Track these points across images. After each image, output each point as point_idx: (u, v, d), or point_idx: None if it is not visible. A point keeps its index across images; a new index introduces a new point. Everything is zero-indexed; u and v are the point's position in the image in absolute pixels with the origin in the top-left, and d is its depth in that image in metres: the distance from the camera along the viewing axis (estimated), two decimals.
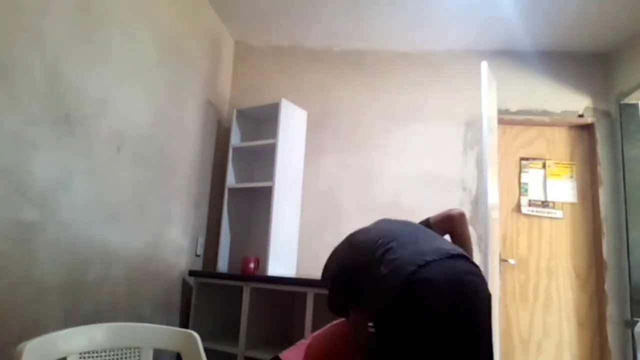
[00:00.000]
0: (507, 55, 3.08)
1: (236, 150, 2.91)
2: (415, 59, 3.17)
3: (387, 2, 2.68)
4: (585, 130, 3.06)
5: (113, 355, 1.25)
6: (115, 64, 1.93)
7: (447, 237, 1.72)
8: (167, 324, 2.33)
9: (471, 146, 3.00)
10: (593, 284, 2.88)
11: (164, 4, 2.34)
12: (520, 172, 3.05)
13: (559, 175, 3.03)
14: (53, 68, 1.59)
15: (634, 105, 2.89)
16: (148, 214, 2.20)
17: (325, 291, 2.21)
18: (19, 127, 1.45)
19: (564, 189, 2.99)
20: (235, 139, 2.92)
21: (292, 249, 2.82)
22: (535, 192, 3.00)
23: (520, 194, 3.01)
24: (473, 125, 3.01)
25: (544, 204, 2.98)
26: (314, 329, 2.18)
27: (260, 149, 2.90)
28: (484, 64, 2.09)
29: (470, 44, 3.06)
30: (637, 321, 2.15)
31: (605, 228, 2.86)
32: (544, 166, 3.04)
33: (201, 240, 2.78)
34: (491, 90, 2.21)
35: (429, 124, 3.08)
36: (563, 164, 3.04)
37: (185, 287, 2.57)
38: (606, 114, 2.99)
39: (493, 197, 2.13)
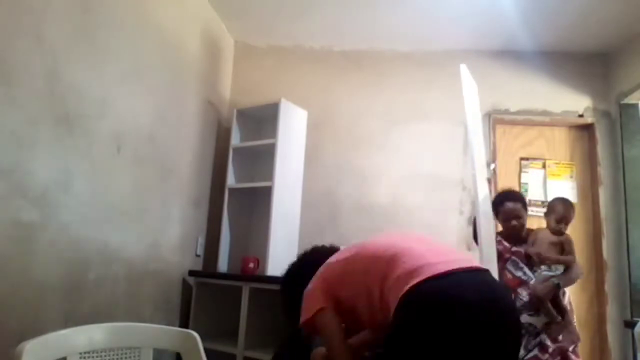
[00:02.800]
0: (507, 55, 3.08)
1: (236, 150, 2.91)
2: (415, 59, 3.17)
3: (387, 2, 2.68)
4: (585, 130, 3.06)
5: (113, 355, 1.25)
6: (115, 64, 1.93)
7: None
8: (167, 324, 2.33)
9: None
10: (593, 284, 2.87)
11: (164, 4, 2.34)
12: (520, 172, 3.05)
13: (559, 175, 3.03)
14: (53, 68, 1.59)
15: (634, 105, 2.89)
16: (148, 214, 2.20)
17: None
18: (19, 127, 1.45)
19: (564, 189, 2.99)
20: (235, 139, 2.92)
21: (292, 249, 2.82)
22: (535, 192, 3.00)
23: None
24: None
25: (544, 204, 2.97)
26: None
27: (260, 149, 2.90)
28: (463, 67, 2.08)
29: (470, 44, 3.06)
30: (637, 321, 2.15)
31: (605, 228, 2.86)
32: (544, 166, 3.04)
33: (201, 240, 2.78)
34: (472, 93, 2.19)
35: (429, 124, 3.07)
36: (563, 164, 3.04)
37: (185, 287, 2.57)
38: (606, 114, 2.99)
39: (486, 203, 2.12)
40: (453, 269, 1.12)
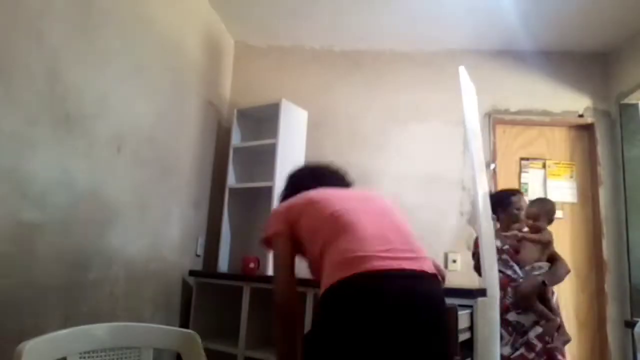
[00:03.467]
0: (507, 55, 3.08)
1: (236, 150, 2.91)
2: (415, 59, 3.17)
3: (387, 2, 2.68)
4: (585, 130, 3.06)
5: (113, 355, 1.25)
6: (115, 64, 1.93)
7: None
8: (167, 324, 2.33)
9: None
10: (593, 284, 2.87)
11: (164, 4, 2.34)
12: (520, 172, 3.05)
13: (559, 175, 3.03)
14: (53, 68, 1.59)
15: (634, 105, 2.89)
16: (148, 214, 2.20)
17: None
18: (19, 127, 1.45)
19: (564, 189, 2.99)
20: (235, 139, 2.92)
21: None
22: (535, 192, 3.00)
23: None
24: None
25: None
26: None
27: (260, 149, 2.90)
28: (462, 69, 2.09)
29: (470, 44, 3.06)
30: (637, 321, 2.15)
31: (605, 228, 2.86)
32: (544, 166, 3.04)
33: (201, 240, 2.78)
34: (471, 95, 2.19)
35: (429, 124, 3.08)
36: (563, 164, 3.04)
37: (185, 287, 2.57)
38: (606, 114, 2.99)
39: (485, 202, 2.13)
40: (384, 269, 1.10)
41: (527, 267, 2.18)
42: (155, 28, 2.24)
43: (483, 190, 2.08)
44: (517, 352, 2.09)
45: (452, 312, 1.51)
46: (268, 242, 1.42)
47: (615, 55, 2.99)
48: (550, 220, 2.25)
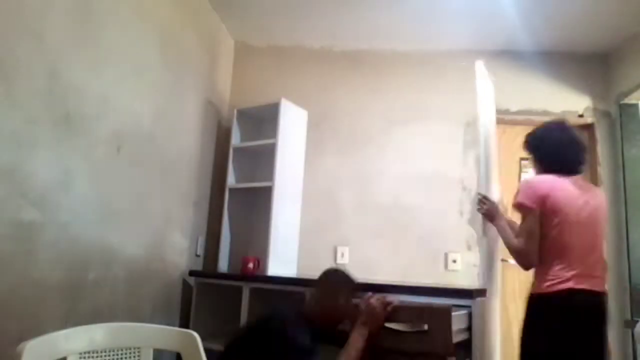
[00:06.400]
0: (507, 55, 3.08)
1: (236, 150, 2.91)
2: (416, 59, 3.17)
3: (388, 1, 2.68)
4: (585, 130, 3.05)
5: (113, 355, 1.25)
6: (115, 64, 1.93)
7: None
8: (167, 324, 2.33)
9: (471, 146, 2.99)
10: None
11: (164, 4, 2.34)
12: (520, 172, 3.05)
13: None
14: (53, 68, 1.59)
15: (634, 105, 2.89)
16: (148, 214, 2.20)
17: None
18: (19, 127, 1.45)
19: None
20: (235, 139, 2.92)
21: (292, 249, 2.82)
22: None
23: None
24: (473, 126, 3.01)
25: None
26: None
27: (260, 149, 2.90)
28: (479, 63, 2.08)
29: (470, 44, 3.05)
30: (637, 321, 2.15)
31: (605, 228, 2.85)
32: None
33: (201, 240, 2.78)
34: (488, 92, 2.19)
35: (429, 124, 3.07)
36: None
37: (186, 287, 2.57)
38: (606, 114, 2.99)
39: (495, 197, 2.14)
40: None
41: None
42: (155, 28, 2.24)
43: (495, 187, 2.07)
44: None
45: (446, 312, 1.50)
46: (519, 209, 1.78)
47: (615, 56, 2.99)
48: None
